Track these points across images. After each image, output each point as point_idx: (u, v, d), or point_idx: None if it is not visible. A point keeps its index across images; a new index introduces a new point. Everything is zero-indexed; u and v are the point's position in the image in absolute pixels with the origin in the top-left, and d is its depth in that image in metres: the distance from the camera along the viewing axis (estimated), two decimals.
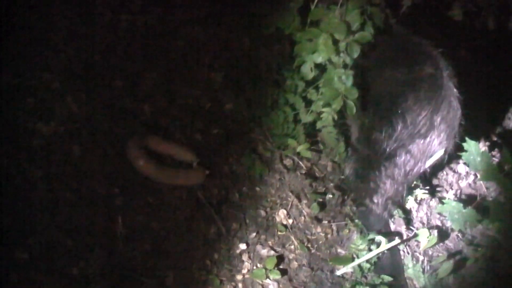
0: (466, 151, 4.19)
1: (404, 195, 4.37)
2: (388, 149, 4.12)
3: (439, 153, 4.28)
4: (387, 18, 4.23)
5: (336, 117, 4.17)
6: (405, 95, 4.05)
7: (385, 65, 4.17)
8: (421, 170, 4.28)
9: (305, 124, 4.35)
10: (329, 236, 4.31)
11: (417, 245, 4.46)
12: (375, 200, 4.28)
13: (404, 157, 4.15)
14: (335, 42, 3.97)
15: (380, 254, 4.20)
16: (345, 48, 3.98)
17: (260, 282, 3.95)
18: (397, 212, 4.49)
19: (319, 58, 4.04)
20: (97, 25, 4.17)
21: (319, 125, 4.30)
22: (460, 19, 5.18)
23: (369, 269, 4.23)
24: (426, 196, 4.65)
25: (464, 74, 4.31)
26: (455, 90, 4.12)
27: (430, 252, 4.45)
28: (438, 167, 4.49)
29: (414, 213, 4.61)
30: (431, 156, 4.20)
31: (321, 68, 4.16)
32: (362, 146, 4.30)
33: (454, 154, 4.34)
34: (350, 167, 4.40)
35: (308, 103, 4.31)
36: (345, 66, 4.03)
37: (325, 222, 4.34)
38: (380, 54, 4.16)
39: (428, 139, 4.10)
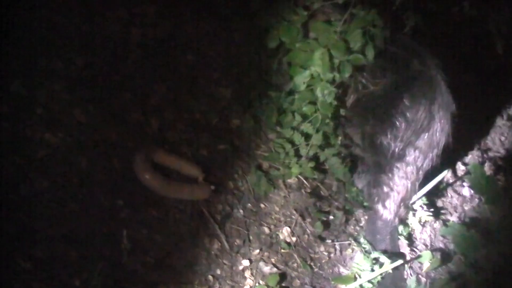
0: (471, 174, 4.20)
1: (416, 193, 4.39)
2: (396, 150, 4.16)
3: (443, 174, 4.32)
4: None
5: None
6: (401, 95, 4.12)
7: (375, 72, 4.20)
8: (430, 163, 4.29)
9: (307, 156, 4.34)
10: (332, 255, 4.31)
11: (420, 267, 4.44)
12: (387, 206, 4.30)
13: (414, 154, 4.20)
14: (331, 58, 3.99)
15: (383, 274, 4.19)
16: (338, 66, 4.00)
17: None
18: (401, 232, 4.48)
19: (312, 71, 4.05)
20: (107, 38, 4.18)
21: (322, 157, 4.34)
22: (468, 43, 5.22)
23: None
24: (430, 218, 4.64)
25: (471, 98, 4.32)
26: (442, 75, 4.17)
27: (432, 274, 4.44)
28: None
29: (417, 235, 4.61)
30: (437, 145, 4.22)
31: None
32: (369, 153, 4.32)
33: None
34: (363, 179, 4.42)
35: (307, 137, 4.31)
36: (332, 82, 4.06)
37: (329, 241, 4.34)
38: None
39: (431, 130, 4.16)
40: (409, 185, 4.31)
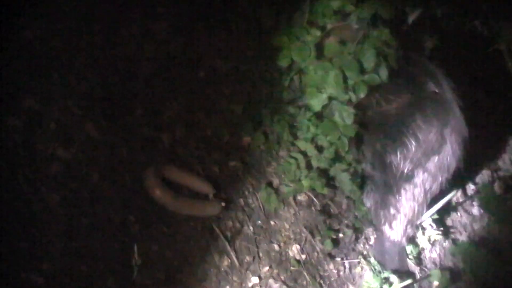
0: (481, 193, 4.19)
1: (422, 215, 4.38)
2: (405, 171, 4.15)
3: (451, 194, 4.31)
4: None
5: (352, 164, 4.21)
6: (414, 116, 4.12)
7: (390, 91, 4.20)
8: (439, 187, 4.29)
9: (318, 169, 4.33)
10: (341, 273, 4.30)
11: (429, 286, 4.44)
12: (394, 227, 4.29)
13: (422, 176, 4.18)
14: (345, 79, 4.00)
15: None
16: (353, 86, 4.01)
17: None
18: (411, 252, 4.48)
19: (328, 93, 4.05)
20: (120, 53, 4.20)
21: (332, 172, 4.33)
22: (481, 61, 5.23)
23: None
24: (440, 237, 4.64)
25: (481, 116, 4.32)
26: (457, 100, 4.16)
27: None
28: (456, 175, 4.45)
29: (427, 254, 4.60)
30: (447, 169, 4.21)
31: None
32: (378, 172, 4.32)
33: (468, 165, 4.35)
34: (371, 198, 4.41)
35: (320, 150, 4.31)
36: (349, 103, 4.06)
37: (338, 259, 4.34)
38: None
39: (442, 153, 4.15)
40: (416, 207, 4.30)
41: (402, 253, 4.42)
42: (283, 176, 4.38)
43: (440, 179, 4.25)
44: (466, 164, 4.32)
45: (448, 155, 4.18)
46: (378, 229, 4.42)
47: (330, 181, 4.47)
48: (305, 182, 4.31)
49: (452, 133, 4.16)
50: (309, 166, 4.30)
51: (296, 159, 4.29)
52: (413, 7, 4.60)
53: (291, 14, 4.28)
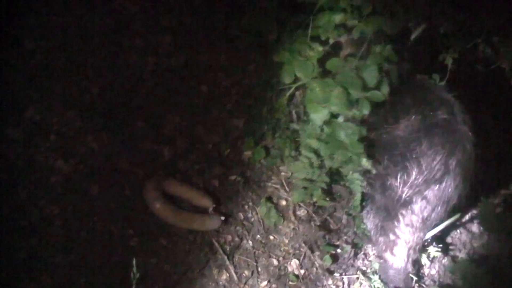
0: (481, 211, 4.17)
1: (422, 240, 4.34)
2: (403, 196, 4.10)
3: (455, 217, 4.28)
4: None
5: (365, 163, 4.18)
6: (419, 141, 4.04)
7: (399, 110, 4.17)
8: (439, 217, 4.24)
9: (329, 170, 4.30)
10: None
11: None
12: (396, 253, 4.25)
13: (421, 203, 4.12)
14: (348, 96, 3.98)
15: None
16: (356, 103, 3.99)
17: None
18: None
19: (331, 109, 4.03)
20: (123, 66, 4.22)
21: (346, 171, 4.29)
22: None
23: None
24: (439, 254, 4.62)
25: (483, 134, 4.31)
26: (469, 134, 4.10)
27: None
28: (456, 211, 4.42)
29: (426, 270, 4.58)
30: (447, 201, 4.16)
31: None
32: (378, 194, 4.29)
33: (472, 199, 4.30)
34: (371, 221, 4.38)
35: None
36: (353, 120, 4.05)
37: (337, 274, 4.32)
38: (395, 99, 4.16)
39: (443, 184, 4.06)
40: (416, 234, 4.25)
41: (408, 279, 4.36)
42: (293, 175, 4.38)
43: (439, 209, 4.19)
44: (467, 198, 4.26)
45: (449, 187, 4.09)
46: (380, 257, 4.38)
47: (330, 194, 4.47)
48: (310, 187, 4.28)
49: (457, 165, 4.07)
50: (322, 167, 4.27)
51: (309, 158, 4.26)
52: (416, 24, 4.57)
53: (294, 29, 4.27)
